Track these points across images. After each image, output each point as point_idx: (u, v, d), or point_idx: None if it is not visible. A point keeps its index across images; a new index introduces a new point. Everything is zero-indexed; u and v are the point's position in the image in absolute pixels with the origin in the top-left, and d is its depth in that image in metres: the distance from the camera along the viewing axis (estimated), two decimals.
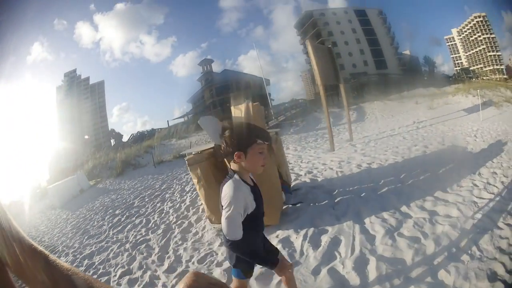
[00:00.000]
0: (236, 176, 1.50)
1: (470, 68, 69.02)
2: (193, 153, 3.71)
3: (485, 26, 78.75)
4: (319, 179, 5.51)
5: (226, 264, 3.00)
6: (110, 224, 5.78)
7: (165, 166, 13.40)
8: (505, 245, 2.62)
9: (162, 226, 4.61)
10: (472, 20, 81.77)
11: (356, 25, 51.53)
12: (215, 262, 3.10)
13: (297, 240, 3.24)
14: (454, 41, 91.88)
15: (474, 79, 39.54)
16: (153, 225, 4.85)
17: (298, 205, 4.18)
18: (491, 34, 79.73)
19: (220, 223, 3.41)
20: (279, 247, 3.03)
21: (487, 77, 52.64)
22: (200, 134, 22.88)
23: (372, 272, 2.55)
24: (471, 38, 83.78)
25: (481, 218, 3.17)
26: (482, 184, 4.15)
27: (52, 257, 0.63)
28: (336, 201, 4.20)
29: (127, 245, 4.26)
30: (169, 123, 46.00)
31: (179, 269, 3.11)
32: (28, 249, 0.60)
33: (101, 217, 6.73)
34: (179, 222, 4.56)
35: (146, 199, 7.16)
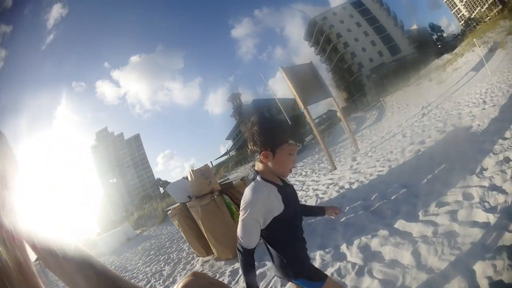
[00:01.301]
0: (258, 177, 1.35)
1: (472, 17, 66.17)
2: (171, 209, 5.22)
3: None
4: None
5: None
6: (143, 262, 7.59)
7: None
8: None
9: (175, 260, 6.12)
10: None
11: (358, 18, 50.95)
12: None
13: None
14: None
15: (478, 26, 38.30)
16: (170, 260, 6.40)
17: None
18: None
19: (202, 255, 4.85)
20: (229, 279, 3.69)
21: (488, 17, 49.50)
22: (238, 171, 24.63)
23: None
24: None
25: (453, 268, 1.99)
26: (480, 192, 2.78)
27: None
28: None
29: (149, 274, 5.92)
30: (212, 163, 47.46)
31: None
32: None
33: (139, 257, 8.56)
34: (186, 256, 6.01)
35: (175, 241, 8.76)
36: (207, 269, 4.45)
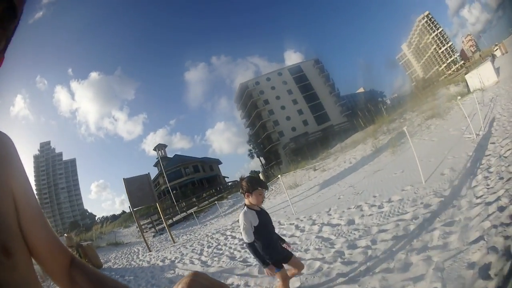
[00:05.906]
0: (245, 207, 2.78)
1: (426, 77, 70.44)
2: None
3: (431, 24, 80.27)
4: None
5: None
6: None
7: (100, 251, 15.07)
8: None
9: None
10: (418, 25, 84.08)
11: (291, 85, 53.49)
12: None
13: None
14: (406, 56, 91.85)
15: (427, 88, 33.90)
16: None
17: None
18: (437, 29, 79.81)
19: None
20: None
21: (444, 75, 54.60)
22: (131, 229, 26.88)
23: None
24: (420, 45, 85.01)
25: None
26: None
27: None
28: None
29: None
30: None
31: None
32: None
33: None
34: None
35: None
36: None
